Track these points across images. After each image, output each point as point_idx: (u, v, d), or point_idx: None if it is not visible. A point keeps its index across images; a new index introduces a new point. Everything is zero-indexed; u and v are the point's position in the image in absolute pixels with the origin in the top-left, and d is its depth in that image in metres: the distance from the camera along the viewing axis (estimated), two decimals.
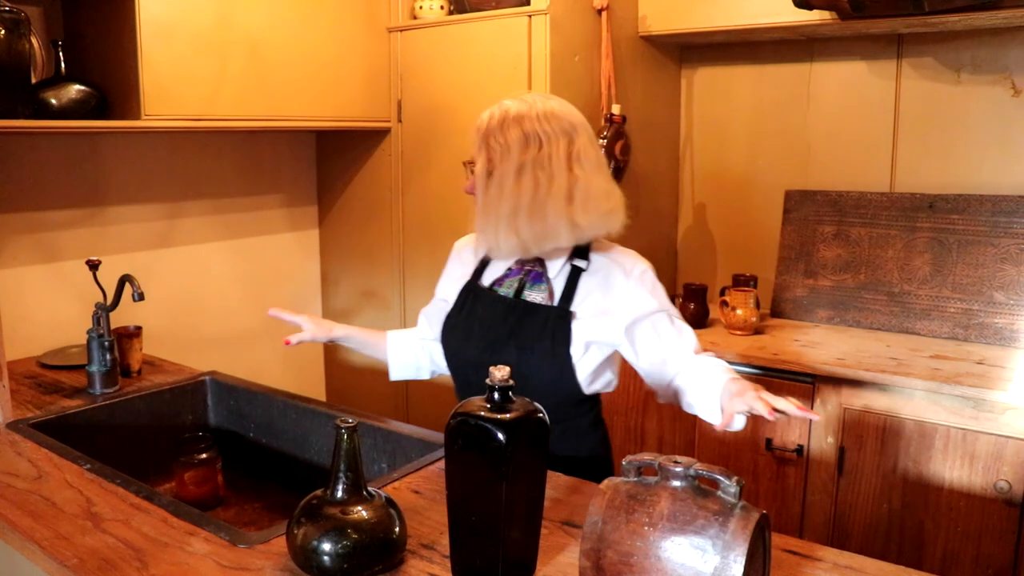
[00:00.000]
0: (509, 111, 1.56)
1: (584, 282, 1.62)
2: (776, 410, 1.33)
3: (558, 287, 1.62)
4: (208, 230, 2.81)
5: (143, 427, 2.01)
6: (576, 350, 1.58)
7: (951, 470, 2.11)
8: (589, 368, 1.60)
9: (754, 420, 2.37)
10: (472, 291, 1.70)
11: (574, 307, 1.59)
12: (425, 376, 1.91)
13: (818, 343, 2.49)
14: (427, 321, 1.85)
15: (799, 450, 2.33)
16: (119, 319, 2.11)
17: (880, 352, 2.37)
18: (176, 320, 2.70)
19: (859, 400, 2.22)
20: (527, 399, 1.13)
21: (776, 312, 2.83)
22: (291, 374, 3.06)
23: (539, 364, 1.57)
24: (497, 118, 1.56)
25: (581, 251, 1.64)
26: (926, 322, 2.55)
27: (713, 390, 1.50)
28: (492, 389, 1.09)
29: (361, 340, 1.89)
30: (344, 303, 3.14)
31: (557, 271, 1.63)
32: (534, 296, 1.62)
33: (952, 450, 2.10)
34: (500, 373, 1.09)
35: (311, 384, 3.18)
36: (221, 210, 2.84)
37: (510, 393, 1.10)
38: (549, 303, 1.60)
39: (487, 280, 1.70)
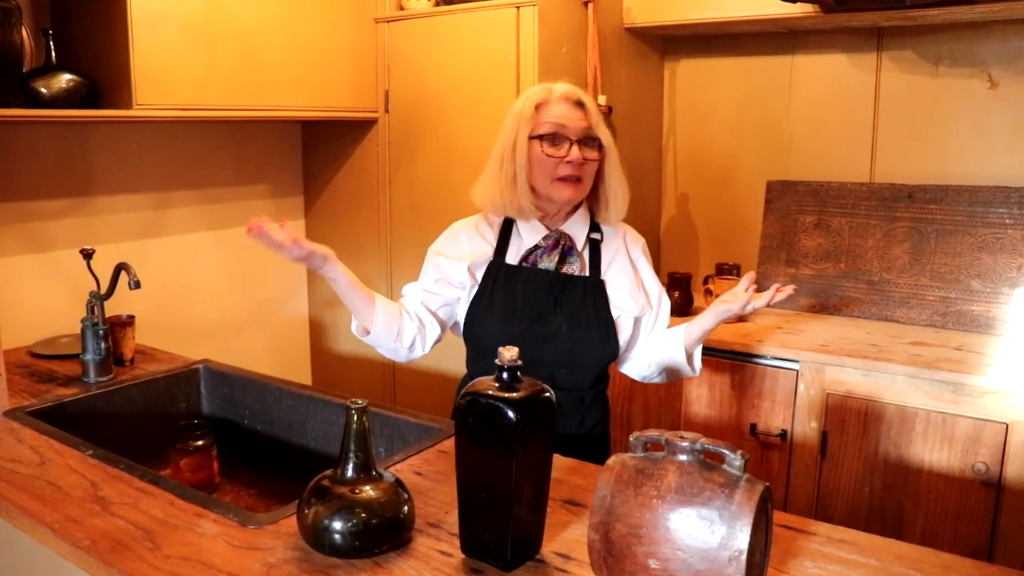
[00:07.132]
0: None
1: (604, 252, 1.77)
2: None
3: (586, 259, 1.75)
4: (196, 220, 2.81)
5: (138, 415, 2.01)
6: (614, 314, 1.72)
7: (930, 453, 2.17)
8: (624, 333, 1.75)
9: (739, 405, 2.44)
10: (501, 269, 1.74)
11: (603, 276, 1.74)
12: (404, 345, 1.73)
13: (801, 330, 2.54)
14: (426, 300, 1.77)
15: (783, 434, 2.38)
16: (108, 308, 2.11)
17: (861, 339, 2.43)
18: (164, 309, 2.69)
19: (841, 385, 2.28)
20: (534, 379, 1.15)
21: None
22: (278, 362, 3.06)
23: (587, 331, 1.69)
24: (589, 98, 1.70)
25: (593, 225, 1.79)
26: (905, 310, 2.62)
27: (678, 338, 1.79)
28: (501, 369, 1.12)
29: (348, 284, 1.71)
30: (330, 293, 3.08)
31: (583, 244, 1.75)
32: (572, 268, 1.73)
33: (932, 433, 2.16)
34: (509, 354, 1.12)
35: (297, 372, 3.18)
36: (209, 200, 2.84)
37: (518, 373, 1.13)
38: (583, 274, 1.73)
39: (512, 258, 1.75)
